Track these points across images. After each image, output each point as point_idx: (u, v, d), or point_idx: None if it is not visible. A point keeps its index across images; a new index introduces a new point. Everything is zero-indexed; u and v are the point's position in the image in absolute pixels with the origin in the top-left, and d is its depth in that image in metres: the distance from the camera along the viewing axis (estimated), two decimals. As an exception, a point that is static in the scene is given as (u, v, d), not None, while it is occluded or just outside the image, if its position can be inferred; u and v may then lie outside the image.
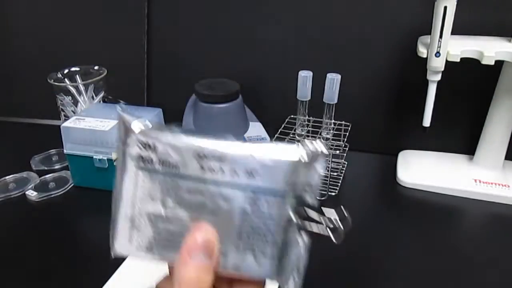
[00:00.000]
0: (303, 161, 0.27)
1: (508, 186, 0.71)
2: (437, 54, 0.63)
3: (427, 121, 0.69)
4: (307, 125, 0.75)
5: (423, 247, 0.61)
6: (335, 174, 0.74)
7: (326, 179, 0.70)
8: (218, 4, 0.83)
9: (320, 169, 0.28)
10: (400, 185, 0.75)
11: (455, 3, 0.60)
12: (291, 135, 0.73)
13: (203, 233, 0.27)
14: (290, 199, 0.28)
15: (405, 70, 0.78)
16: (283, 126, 0.74)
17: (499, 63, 0.64)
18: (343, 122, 0.73)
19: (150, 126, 0.28)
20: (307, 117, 0.74)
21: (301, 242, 0.29)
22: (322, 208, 0.28)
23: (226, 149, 0.27)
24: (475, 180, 0.72)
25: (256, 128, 0.79)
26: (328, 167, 0.71)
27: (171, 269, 0.30)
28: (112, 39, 0.90)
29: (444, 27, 0.61)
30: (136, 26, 0.88)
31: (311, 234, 0.29)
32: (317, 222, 0.28)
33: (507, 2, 0.70)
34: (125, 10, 0.88)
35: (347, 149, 0.72)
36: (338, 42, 0.79)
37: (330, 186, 0.70)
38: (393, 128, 0.83)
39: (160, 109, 0.74)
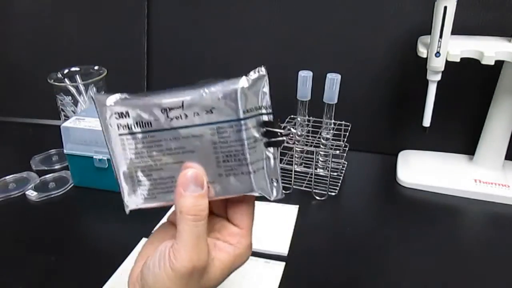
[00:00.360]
0: (246, 85, 0.32)
1: (508, 186, 0.70)
2: (437, 54, 0.63)
3: (427, 121, 0.69)
4: (307, 125, 0.75)
5: (423, 247, 0.61)
6: (335, 174, 0.73)
7: (326, 179, 0.70)
8: (218, 5, 0.83)
9: (265, 89, 0.33)
10: (400, 185, 0.75)
11: (455, 3, 0.60)
12: (291, 135, 0.73)
13: (190, 169, 0.32)
14: (250, 121, 0.32)
15: (405, 70, 0.78)
16: (283, 126, 0.74)
17: (499, 63, 0.64)
18: (343, 122, 0.73)
19: (120, 98, 0.33)
20: (307, 117, 0.74)
21: (270, 154, 0.34)
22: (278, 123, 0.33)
23: (183, 97, 0.32)
24: (475, 180, 0.72)
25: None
26: (328, 167, 0.71)
27: None
28: (112, 39, 0.90)
29: (444, 27, 0.61)
30: (136, 26, 0.88)
31: (275, 144, 0.33)
32: (277, 134, 0.33)
33: (507, 2, 0.70)
34: (125, 10, 0.88)
35: (347, 149, 0.72)
36: (338, 42, 0.79)
37: (330, 186, 0.70)
38: (393, 128, 0.83)
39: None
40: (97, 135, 0.68)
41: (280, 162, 0.70)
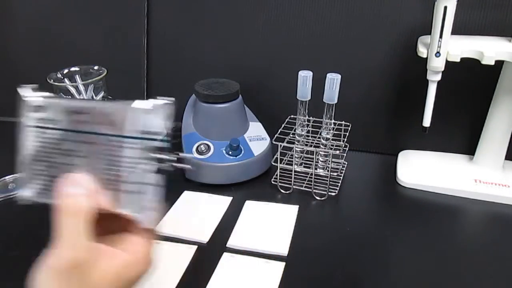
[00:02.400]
0: (147, 108, 0.34)
1: (508, 186, 0.71)
2: (437, 54, 0.63)
3: (427, 121, 0.69)
4: (307, 125, 0.75)
5: (423, 247, 0.61)
6: (335, 174, 0.73)
7: (326, 179, 0.70)
8: (218, 4, 0.83)
9: (164, 117, 0.34)
10: (400, 185, 0.75)
11: (455, 3, 0.60)
12: (291, 135, 0.73)
13: (75, 173, 0.34)
14: (144, 143, 0.34)
15: (405, 70, 0.78)
16: (283, 126, 0.74)
17: (499, 63, 0.65)
18: (343, 122, 0.73)
19: (40, 95, 0.37)
20: (307, 117, 0.74)
21: (155, 181, 0.34)
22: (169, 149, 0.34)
23: (93, 106, 0.36)
24: (475, 180, 0.72)
25: (256, 128, 0.79)
26: (328, 167, 0.71)
27: None
28: (112, 39, 0.90)
29: (444, 27, 0.61)
30: (136, 26, 0.88)
31: (164, 171, 0.34)
32: (167, 160, 0.35)
33: (507, 2, 0.70)
34: (125, 10, 0.88)
35: (347, 149, 0.72)
36: (338, 42, 0.79)
37: (330, 186, 0.70)
38: (393, 128, 0.83)
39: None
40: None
41: (280, 162, 0.70)
